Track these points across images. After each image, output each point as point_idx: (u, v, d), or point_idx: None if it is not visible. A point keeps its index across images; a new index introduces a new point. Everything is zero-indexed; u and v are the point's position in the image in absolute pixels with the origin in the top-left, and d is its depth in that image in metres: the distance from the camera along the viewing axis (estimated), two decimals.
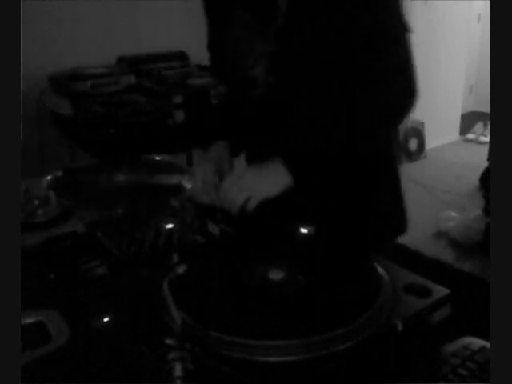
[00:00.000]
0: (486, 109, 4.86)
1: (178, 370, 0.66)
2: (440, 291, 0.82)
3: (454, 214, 3.31)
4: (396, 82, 1.05)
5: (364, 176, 1.17)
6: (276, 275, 0.85)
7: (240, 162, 1.29)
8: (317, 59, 1.05)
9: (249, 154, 1.28)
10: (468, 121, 5.29)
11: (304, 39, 1.05)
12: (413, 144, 4.50)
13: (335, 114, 1.05)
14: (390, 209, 1.23)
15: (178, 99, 2.40)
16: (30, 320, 0.80)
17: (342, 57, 1.03)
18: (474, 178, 3.89)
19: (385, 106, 1.07)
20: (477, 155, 4.39)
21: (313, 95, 1.09)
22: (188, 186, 1.23)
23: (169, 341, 0.69)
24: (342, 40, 1.02)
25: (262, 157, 1.07)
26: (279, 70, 1.10)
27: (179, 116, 2.38)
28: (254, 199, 1.03)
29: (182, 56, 2.93)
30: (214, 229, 1.06)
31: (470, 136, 5.15)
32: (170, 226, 1.06)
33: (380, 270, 0.87)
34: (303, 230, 1.01)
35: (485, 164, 3.77)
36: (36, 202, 1.18)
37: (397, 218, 1.25)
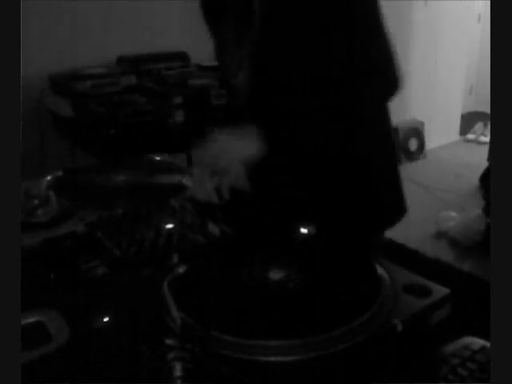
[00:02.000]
0: (486, 109, 4.86)
1: (177, 370, 0.66)
2: (440, 291, 0.82)
3: (453, 213, 3.31)
4: (380, 72, 1.06)
5: (361, 169, 1.18)
6: (276, 275, 0.85)
7: None
8: (293, 61, 1.06)
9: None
10: (468, 121, 5.28)
11: (281, 40, 1.07)
12: (413, 144, 4.50)
13: (320, 114, 1.06)
14: (388, 195, 1.24)
15: (177, 99, 2.40)
16: (30, 320, 0.80)
17: (319, 57, 1.04)
18: (473, 177, 3.88)
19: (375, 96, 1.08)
20: (477, 155, 4.39)
21: (293, 98, 1.10)
22: (188, 185, 1.23)
23: (169, 341, 0.69)
24: (319, 41, 1.03)
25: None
26: (258, 72, 1.12)
27: (179, 116, 2.38)
28: (232, 161, 1.03)
29: (182, 56, 2.93)
30: (213, 229, 1.06)
31: (470, 136, 5.14)
32: (169, 226, 1.06)
33: (380, 269, 0.87)
34: (303, 230, 1.01)
35: (485, 164, 3.77)
36: (36, 202, 1.18)
37: (394, 203, 1.27)
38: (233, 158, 1.04)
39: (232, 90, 1.20)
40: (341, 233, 1.09)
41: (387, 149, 1.25)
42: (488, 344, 0.75)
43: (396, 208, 1.27)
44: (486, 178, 3.63)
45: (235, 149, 1.05)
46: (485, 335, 0.74)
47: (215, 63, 1.35)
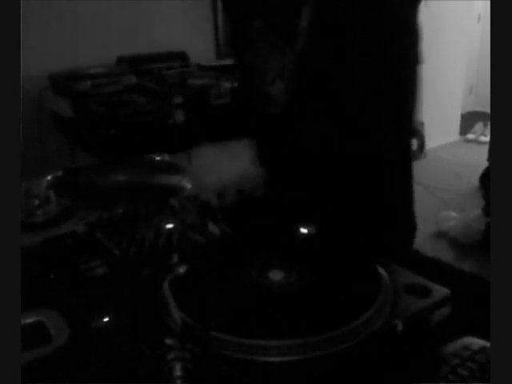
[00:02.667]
0: (486, 109, 4.86)
1: (177, 370, 0.66)
2: (440, 291, 0.82)
3: (453, 213, 3.31)
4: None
5: (374, 176, 1.16)
6: (276, 275, 0.85)
7: None
8: (338, 81, 1.05)
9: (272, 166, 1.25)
10: (468, 121, 5.29)
11: (327, 59, 1.04)
12: (413, 144, 4.50)
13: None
14: (399, 212, 1.22)
15: (178, 99, 2.40)
16: (30, 320, 0.80)
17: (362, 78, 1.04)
18: (473, 177, 3.88)
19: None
20: (477, 155, 4.39)
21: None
22: (188, 185, 1.23)
23: (169, 341, 0.69)
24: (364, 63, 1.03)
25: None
26: (298, 87, 1.09)
27: (179, 116, 2.38)
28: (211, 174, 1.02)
29: (182, 56, 2.93)
30: (213, 229, 1.06)
31: (470, 136, 5.15)
32: (169, 226, 1.06)
33: (380, 269, 0.87)
34: (303, 230, 1.01)
35: (485, 164, 3.77)
36: (36, 202, 1.18)
37: (405, 222, 1.24)
38: (221, 175, 1.03)
39: (263, 97, 1.16)
40: (342, 233, 1.09)
41: (403, 156, 1.23)
42: (488, 344, 0.75)
43: (405, 224, 1.24)
44: (486, 177, 3.63)
45: (223, 165, 1.04)
46: (485, 335, 0.74)
47: (233, 65, 1.31)
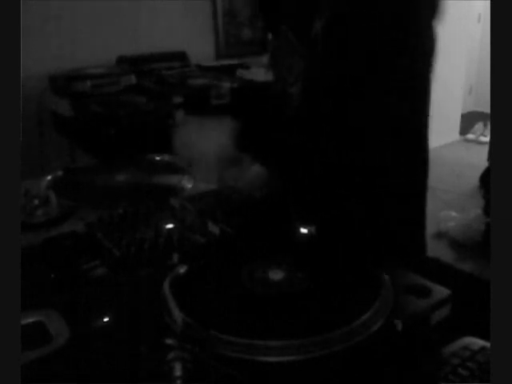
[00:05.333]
0: (486, 109, 4.87)
1: (178, 370, 0.66)
2: (440, 291, 0.82)
3: (454, 213, 3.31)
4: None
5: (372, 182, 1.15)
6: (276, 275, 0.85)
7: None
8: (347, 86, 1.04)
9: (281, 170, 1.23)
10: (468, 121, 5.29)
11: (339, 65, 1.04)
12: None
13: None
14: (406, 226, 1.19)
15: (177, 99, 2.40)
16: (30, 320, 0.80)
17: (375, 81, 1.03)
18: (474, 177, 3.89)
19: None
20: (477, 155, 4.40)
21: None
22: (188, 185, 1.23)
23: (169, 341, 0.69)
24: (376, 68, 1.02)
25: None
26: (313, 90, 1.10)
27: (179, 116, 2.38)
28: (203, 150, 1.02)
29: (182, 56, 2.93)
30: (213, 229, 1.06)
31: (470, 136, 5.15)
32: (169, 226, 1.06)
33: (380, 270, 0.87)
34: (303, 230, 1.01)
35: (485, 164, 3.78)
36: (36, 202, 1.18)
37: (413, 237, 1.21)
38: (204, 148, 1.02)
39: (283, 99, 1.17)
40: (342, 234, 1.09)
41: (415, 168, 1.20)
42: (488, 344, 0.75)
43: (411, 246, 1.21)
44: (486, 177, 3.63)
45: (207, 138, 1.03)
46: (485, 335, 0.74)
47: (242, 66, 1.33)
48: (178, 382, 0.65)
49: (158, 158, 1.45)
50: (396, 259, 1.08)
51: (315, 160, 1.07)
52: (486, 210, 3.09)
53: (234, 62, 3.03)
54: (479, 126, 5.14)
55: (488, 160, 3.77)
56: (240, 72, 2.85)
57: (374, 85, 1.02)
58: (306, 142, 1.07)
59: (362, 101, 1.03)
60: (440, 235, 3.24)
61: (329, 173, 1.07)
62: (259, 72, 2.66)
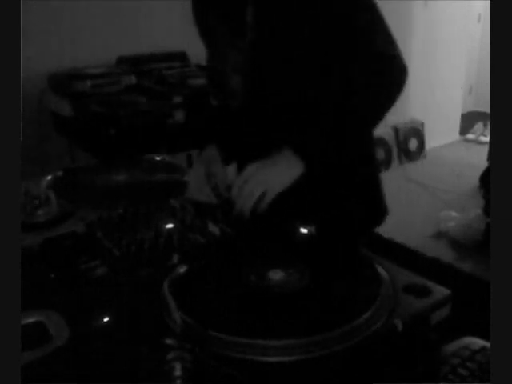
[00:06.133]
0: (486, 109, 4.87)
1: (178, 370, 0.66)
2: (440, 291, 0.82)
3: (454, 213, 3.31)
4: (386, 63, 1.05)
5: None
6: (276, 275, 0.85)
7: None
8: (290, 67, 1.06)
9: (241, 160, 1.27)
10: (468, 121, 5.29)
11: (274, 50, 1.07)
12: (413, 144, 4.50)
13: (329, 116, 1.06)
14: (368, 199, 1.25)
15: (177, 99, 2.40)
16: (30, 320, 0.80)
17: (317, 58, 1.05)
18: (473, 177, 3.88)
19: (383, 87, 1.06)
20: (477, 155, 4.39)
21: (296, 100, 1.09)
22: (188, 186, 1.23)
23: (169, 341, 0.69)
24: (313, 45, 1.04)
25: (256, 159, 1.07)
26: (254, 80, 1.12)
27: (179, 116, 2.38)
28: (270, 192, 1.01)
29: (181, 56, 2.93)
30: (213, 229, 1.06)
31: (470, 136, 5.15)
32: (169, 226, 1.06)
33: (380, 269, 0.87)
34: (303, 230, 1.01)
35: (485, 164, 3.77)
36: (36, 202, 1.18)
37: (374, 206, 1.27)
38: (274, 190, 1.02)
39: (224, 91, 1.20)
40: (339, 233, 1.09)
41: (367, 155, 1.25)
42: (488, 344, 0.75)
43: (376, 210, 1.27)
44: (486, 177, 3.63)
45: (277, 179, 1.02)
46: (485, 335, 0.74)
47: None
48: (178, 381, 0.65)
49: (157, 158, 1.45)
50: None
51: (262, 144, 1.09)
52: (486, 210, 3.08)
53: None
54: (479, 126, 5.13)
55: (488, 160, 3.77)
56: None
57: (312, 71, 1.06)
58: (260, 132, 1.10)
59: (303, 87, 1.06)
60: (440, 235, 3.23)
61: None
62: None
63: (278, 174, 1.03)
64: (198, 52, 3.12)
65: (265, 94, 1.13)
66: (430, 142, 4.67)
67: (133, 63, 2.73)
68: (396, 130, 4.35)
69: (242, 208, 1.01)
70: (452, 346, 0.76)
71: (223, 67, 1.18)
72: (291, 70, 1.07)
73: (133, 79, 2.56)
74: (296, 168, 1.02)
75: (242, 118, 1.19)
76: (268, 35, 1.07)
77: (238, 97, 1.16)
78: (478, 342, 0.76)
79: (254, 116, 1.16)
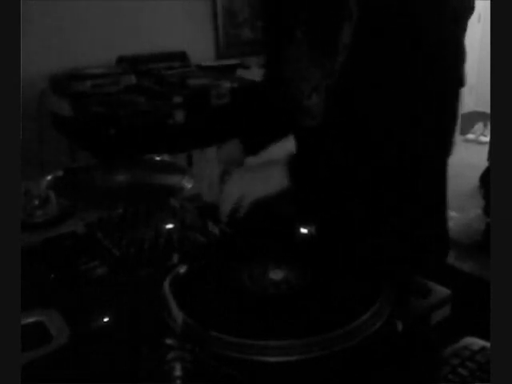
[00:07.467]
0: (486, 109, 4.86)
1: (178, 370, 0.66)
2: (440, 291, 0.82)
3: (454, 213, 3.31)
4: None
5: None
6: (276, 275, 0.85)
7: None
8: (381, 95, 1.00)
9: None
10: (468, 121, 5.28)
11: (369, 75, 1.00)
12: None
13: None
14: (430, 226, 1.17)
15: (177, 99, 2.40)
16: (30, 320, 0.80)
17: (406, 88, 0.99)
18: (473, 177, 3.88)
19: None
20: (477, 155, 4.39)
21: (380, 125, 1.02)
22: (188, 185, 1.23)
23: (169, 341, 0.69)
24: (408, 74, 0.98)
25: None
26: (340, 104, 1.06)
27: (179, 116, 2.38)
28: (247, 198, 1.01)
29: (182, 56, 2.93)
30: (213, 229, 1.06)
31: (470, 136, 5.14)
32: (169, 226, 1.06)
33: (380, 269, 0.87)
34: (303, 230, 1.01)
35: (485, 164, 3.77)
36: (36, 202, 1.18)
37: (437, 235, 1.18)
38: (251, 197, 1.00)
39: (301, 110, 1.14)
40: (342, 234, 1.09)
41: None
42: (488, 344, 0.75)
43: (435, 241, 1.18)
44: (486, 177, 3.63)
45: (256, 188, 1.01)
46: (485, 335, 0.74)
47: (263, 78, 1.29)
48: (178, 381, 0.65)
49: (157, 158, 1.45)
50: (421, 262, 1.08)
51: (326, 162, 1.05)
52: (486, 210, 3.08)
53: (234, 62, 3.03)
54: (479, 126, 5.13)
55: (488, 160, 3.77)
56: (240, 72, 2.85)
57: (404, 95, 0.99)
58: (345, 149, 1.02)
59: (391, 113, 1.00)
60: None
61: (335, 174, 1.05)
62: (259, 72, 2.66)
63: (260, 183, 1.02)
64: (198, 52, 3.12)
65: (350, 116, 1.06)
66: None
67: (133, 63, 2.73)
68: None
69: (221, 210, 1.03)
70: (452, 346, 0.76)
71: (298, 84, 1.12)
72: (383, 95, 1.01)
73: (133, 79, 2.56)
74: (280, 183, 1.00)
75: (316, 137, 1.13)
76: (365, 58, 1.01)
77: (315, 116, 1.11)
78: (477, 342, 0.76)
79: (334, 136, 1.09)
